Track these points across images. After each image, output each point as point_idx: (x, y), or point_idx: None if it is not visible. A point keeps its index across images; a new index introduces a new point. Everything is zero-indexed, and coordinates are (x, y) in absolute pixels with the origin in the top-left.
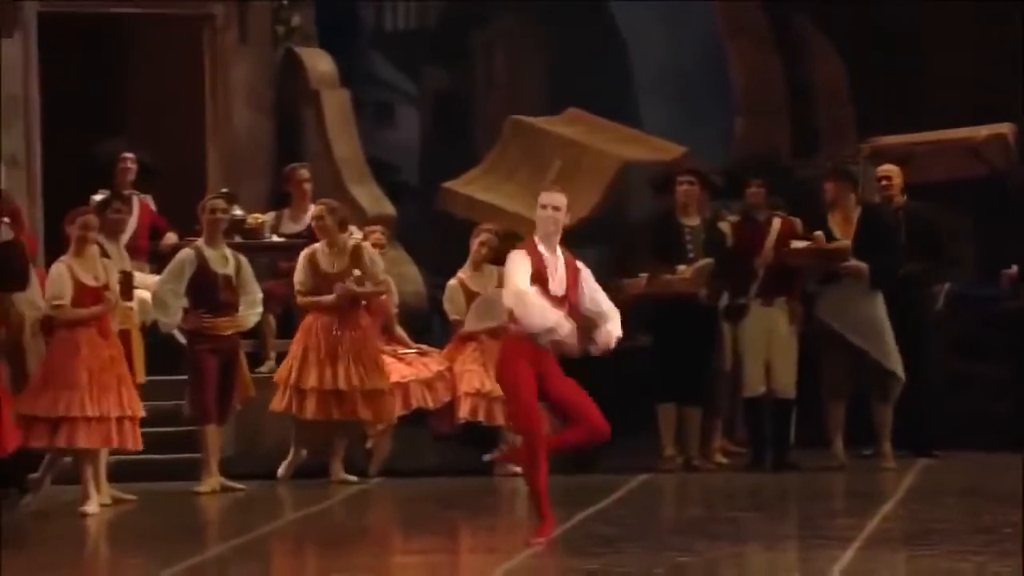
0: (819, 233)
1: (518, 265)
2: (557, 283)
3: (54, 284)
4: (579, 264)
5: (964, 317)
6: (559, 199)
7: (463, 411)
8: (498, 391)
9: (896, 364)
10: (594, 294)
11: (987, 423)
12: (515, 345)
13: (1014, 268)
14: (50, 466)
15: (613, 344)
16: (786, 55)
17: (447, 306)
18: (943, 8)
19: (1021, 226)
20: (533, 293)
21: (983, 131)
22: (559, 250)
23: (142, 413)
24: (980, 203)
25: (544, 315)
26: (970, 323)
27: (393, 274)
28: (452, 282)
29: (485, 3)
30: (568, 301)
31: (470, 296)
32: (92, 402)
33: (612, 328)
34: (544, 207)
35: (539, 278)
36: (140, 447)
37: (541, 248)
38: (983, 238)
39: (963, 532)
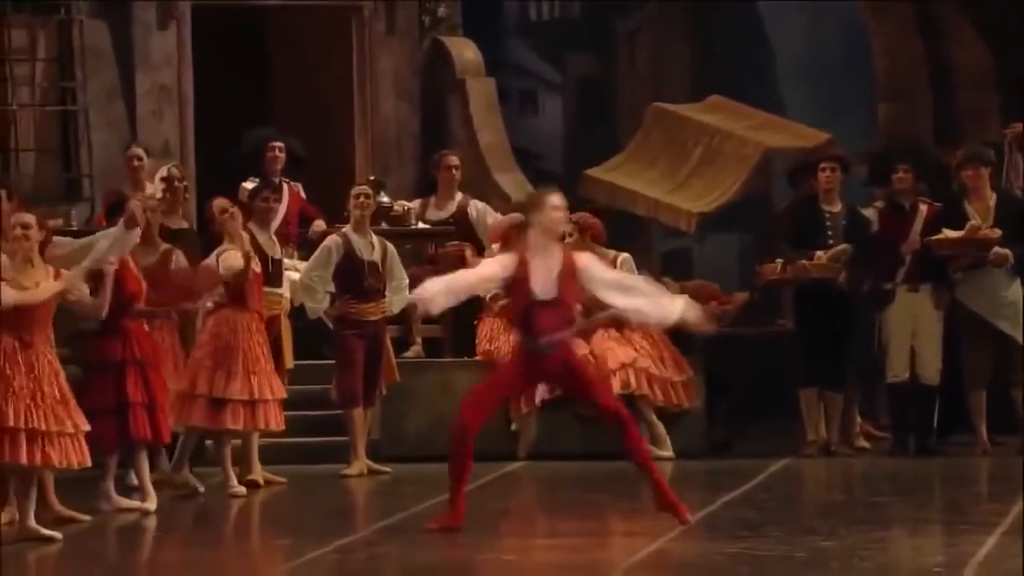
0: (973, 223)
1: (483, 265)
2: (542, 286)
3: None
4: (580, 262)
5: None
6: (563, 200)
7: (616, 386)
8: (644, 362)
9: None
10: (618, 282)
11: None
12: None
13: None
14: (185, 448)
15: (675, 316)
16: (928, 39)
17: None
18: None
19: None
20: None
21: None
22: (557, 252)
23: (283, 394)
24: None
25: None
26: None
27: None
28: None
29: None
30: (564, 302)
31: None
32: (244, 384)
33: (666, 302)
34: (556, 208)
35: (518, 281)
36: (282, 427)
37: (529, 253)
38: None
39: None
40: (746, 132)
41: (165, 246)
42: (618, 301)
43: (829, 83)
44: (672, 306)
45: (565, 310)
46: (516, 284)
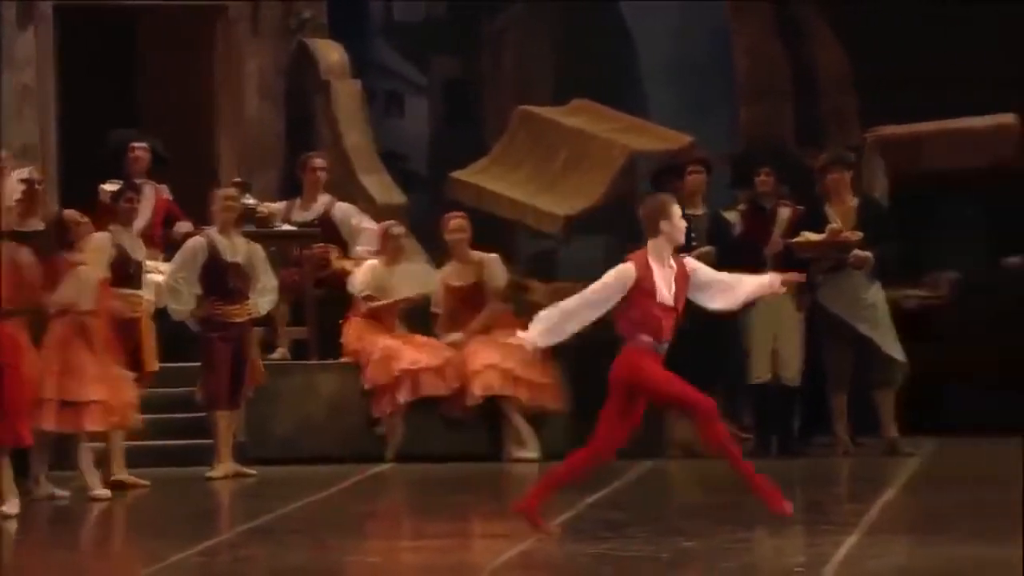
0: (834, 226)
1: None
2: (667, 294)
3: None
4: (690, 266)
5: (972, 305)
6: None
7: (478, 388)
8: (510, 363)
9: (898, 351)
10: (711, 280)
11: (992, 410)
12: (639, 352)
13: (1019, 257)
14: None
15: (777, 286)
16: (789, 41)
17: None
18: None
19: None
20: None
21: (988, 121)
22: (672, 260)
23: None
24: (989, 192)
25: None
26: (978, 312)
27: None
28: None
29: None
30: (676, 311)
31: (451, 292)
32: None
33: (753, 280)
34: (681, 217)
35: (644, 290)
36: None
37: (652, 261)
38: (991, 228)
39: (970, 518)
40: (611, 135)
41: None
42: (719, 302)
43: (694, 84)
44: (763, 280)
45: (679, 316)
46: (642, 293)
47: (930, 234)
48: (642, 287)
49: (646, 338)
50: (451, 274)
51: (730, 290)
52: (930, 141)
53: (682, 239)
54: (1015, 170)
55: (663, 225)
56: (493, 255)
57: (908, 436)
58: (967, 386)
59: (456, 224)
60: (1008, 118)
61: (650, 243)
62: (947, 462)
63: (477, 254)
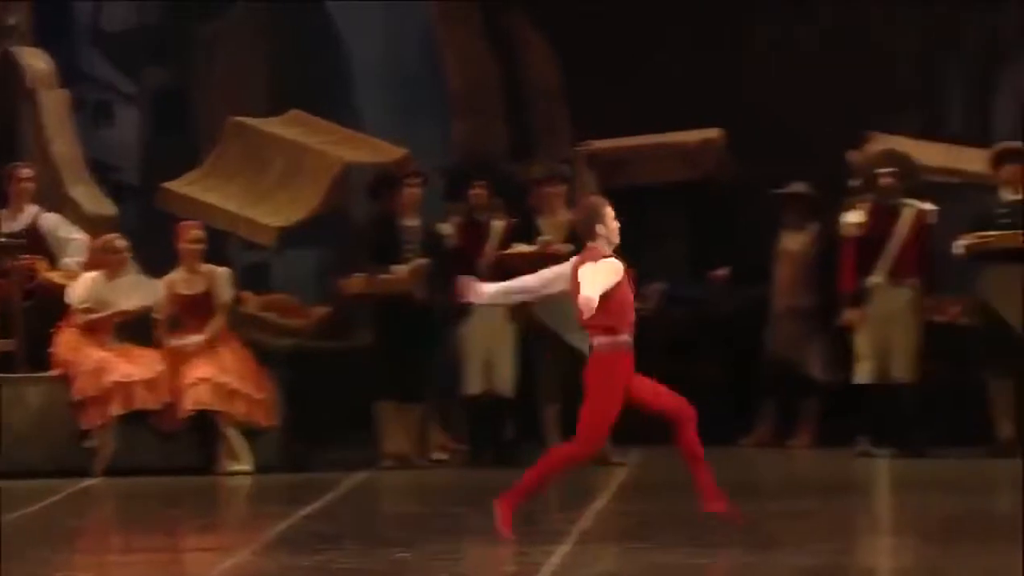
0: (544, 238)
1: (609, 276)
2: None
3: None
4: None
5: (676, 317)
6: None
7: (188, 402)
8: (225, 377)
9: None
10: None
11: (699, 419)
12: (615, 358)
13: (724, 269)
14: None
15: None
16: (500, 53)
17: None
18: (662, 7)
19: (730, 229)
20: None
21: (694, 135)
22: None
23: None
24: (692, 206)
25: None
26: (682, 323)
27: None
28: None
29: (206, 1)
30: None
31: (177, 299)
32: None
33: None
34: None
35: (625, 283)
36: None
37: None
38: (695, 240)
39: (672, 525)
40: (325, 147)
41: None
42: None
43: (408, 95)
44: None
45: None
46: (622, 286)
47: (638, 246)
48: (622, 283)
49: (624, 336)
50: (180, 282)
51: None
52: (638, 155)
53: (618, 239)
54: (720, 184)
55: (599, 229)
56: (224, 269)
57: (617, 446)
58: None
59: (195, 235)
60: (713, 133)
61: (592, 247)
62: (655, 471)
63: (208, 266)
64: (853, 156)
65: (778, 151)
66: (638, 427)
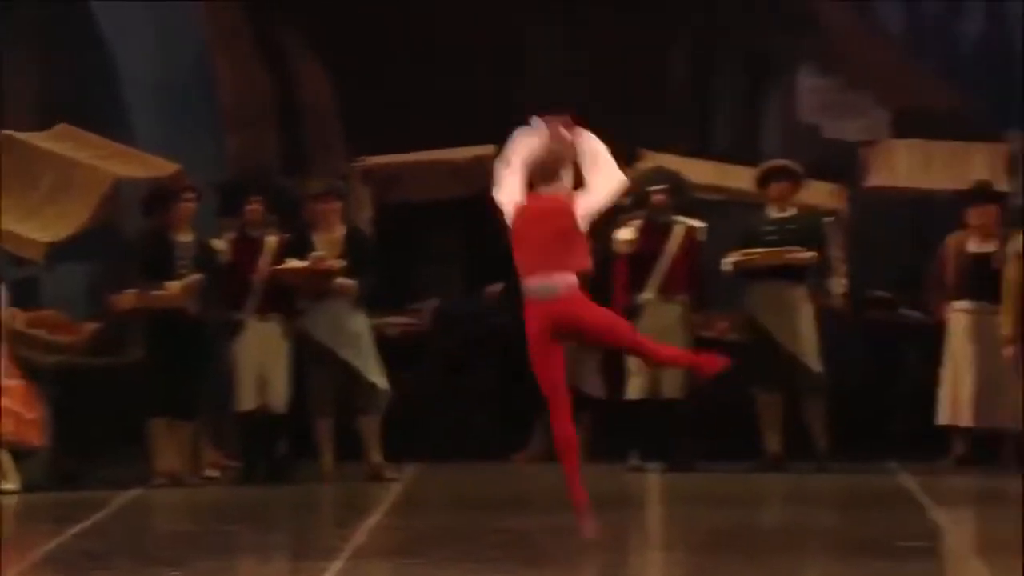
0: (316, 253)
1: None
2: None
3: None
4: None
5: (451, 333)
6: None
7: None
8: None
9: (381, 378)
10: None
11: (472, 433)
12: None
13: (499, 285)
14: None
15: None
16: (273, 68)
17: None
18: (437, 25)
19: (505, 245)
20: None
21: (468, 152)
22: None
23: None
24: (466, 222)
25: None
26: (457, 339)
27: None
28: None
29: None
30: None
31: None
32: None
33: None
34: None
35: None
36: None
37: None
38: (469, 256)
39: (448, 540)
40: (96, 161)
41: None
42: None
43: (181, 110)
44: None
45: None
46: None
47: (413, 262)
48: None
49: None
50: None
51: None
52: (413, 171)
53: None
54: (494, 201)
55: (563, 173)
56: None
57: (392, 461)
58: (450, 412)
59: None
60: (488, 149)
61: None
62: (429, 486)
63: None
64: (625, 173)
65: None
66: (412, 443)
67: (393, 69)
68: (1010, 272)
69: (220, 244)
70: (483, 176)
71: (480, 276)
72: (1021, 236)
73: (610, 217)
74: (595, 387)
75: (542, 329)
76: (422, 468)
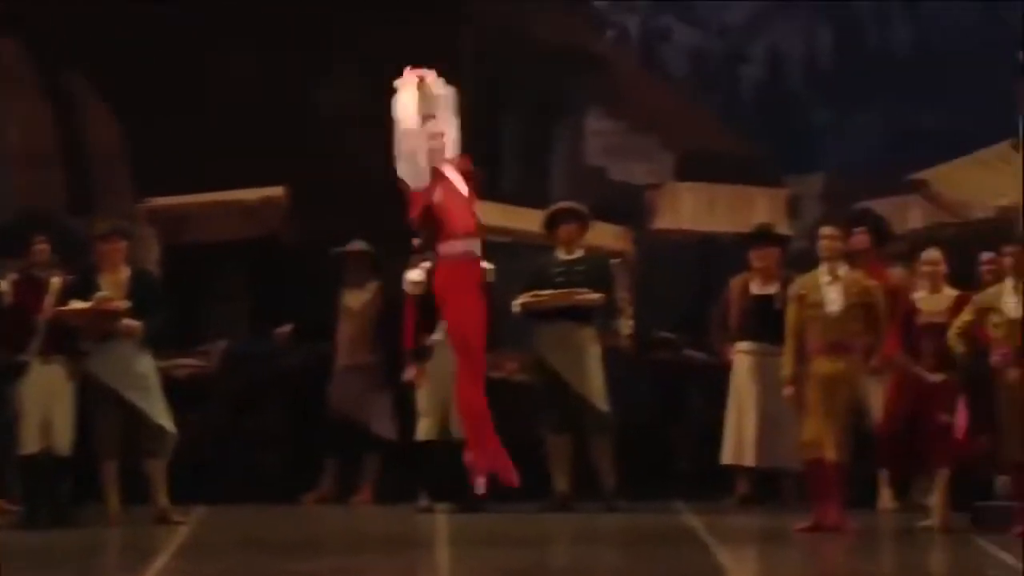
0: (100, 294)
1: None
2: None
3: None
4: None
5: (240, 374)
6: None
7: None
8: None
9: (167, 420)
10: None
11: (261, 475)
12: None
13: (288, 326)
14: None
15: None
16: (60, 110)
17: None
18: (224, 69)
19: (294, 285)
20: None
21: (256, 193)
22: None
23: None
24: (254, 263)
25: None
26: (246, 380)
27: None
28: None
29: None
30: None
31: None
32: None
33: None
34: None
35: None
36: None
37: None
38: (257, 296)
39: None
40: None
41: None
42: None
43: None
44: None
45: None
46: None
47: (201, 303)
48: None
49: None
50: None
51: None
52: (200, 212)
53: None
54: (282, 241)
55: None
56: None
57: (180, 504)
58: (238, 454)
59: None
60: (277, 191)
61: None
62: (217, 529)
63: None
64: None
65: (341, 209)
66: (200, 486)
67: (181, 112)
68: (789, 313)
69: (2, 285)
70: (272, 216)
71: (269, 317)
72: (796, 279)
73: (401, 258)
74: (385, 428)
75: (476, 284)
76: (210, 511)
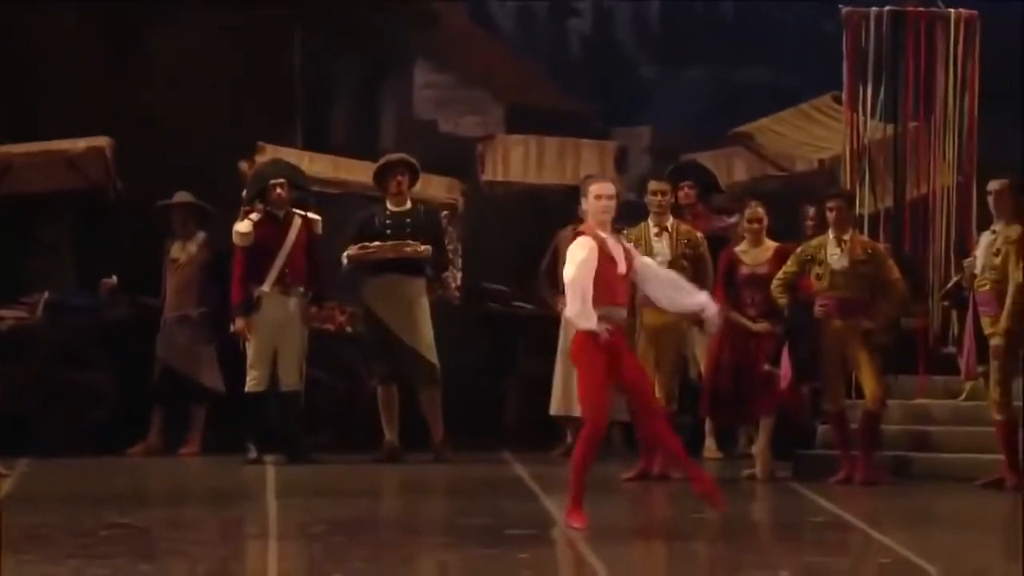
0: None
1: (584, 251)
2: (621, 264)
3: None
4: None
5: (64, 326)
6: (612, 188)
7: None
8: None
9: None
10: (654, 269)
11: (86, 430)
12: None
13: (113, 278)
14: None
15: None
16: None
17: None
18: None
19: (119, 237)
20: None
21: (81, 143)
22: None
23: None
24: (79, 214)
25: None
26: (70, 332)
27: None
28: None
29: None
30: (627, 279)
31: None
32: None
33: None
34: (599, 197)
35: (606, 260)
36: None
37: (601, 233)
38: (82, 248)
39: (62, 536)
40: None
41: None
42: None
43: None
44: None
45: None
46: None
47: (24, 255)
48: (603, 254)
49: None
50: None
51: (674, 292)
52: (23, 162)
53: (603, 216)
54: (107, 192)
55: (583, 203)
56: None
57: (3, 457)
58: (62, 406)
59: None
60: (101, 141)
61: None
62: (41, 482)
63: None
64: (243, 166)
65: (169, 160)
66: (23, 438)
67: (4, 61)
68: None
69: None
70: (97, 167)
71: (94, 268)
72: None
73: (230, 210)
74: (213, 380)
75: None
76: (34, 463)
